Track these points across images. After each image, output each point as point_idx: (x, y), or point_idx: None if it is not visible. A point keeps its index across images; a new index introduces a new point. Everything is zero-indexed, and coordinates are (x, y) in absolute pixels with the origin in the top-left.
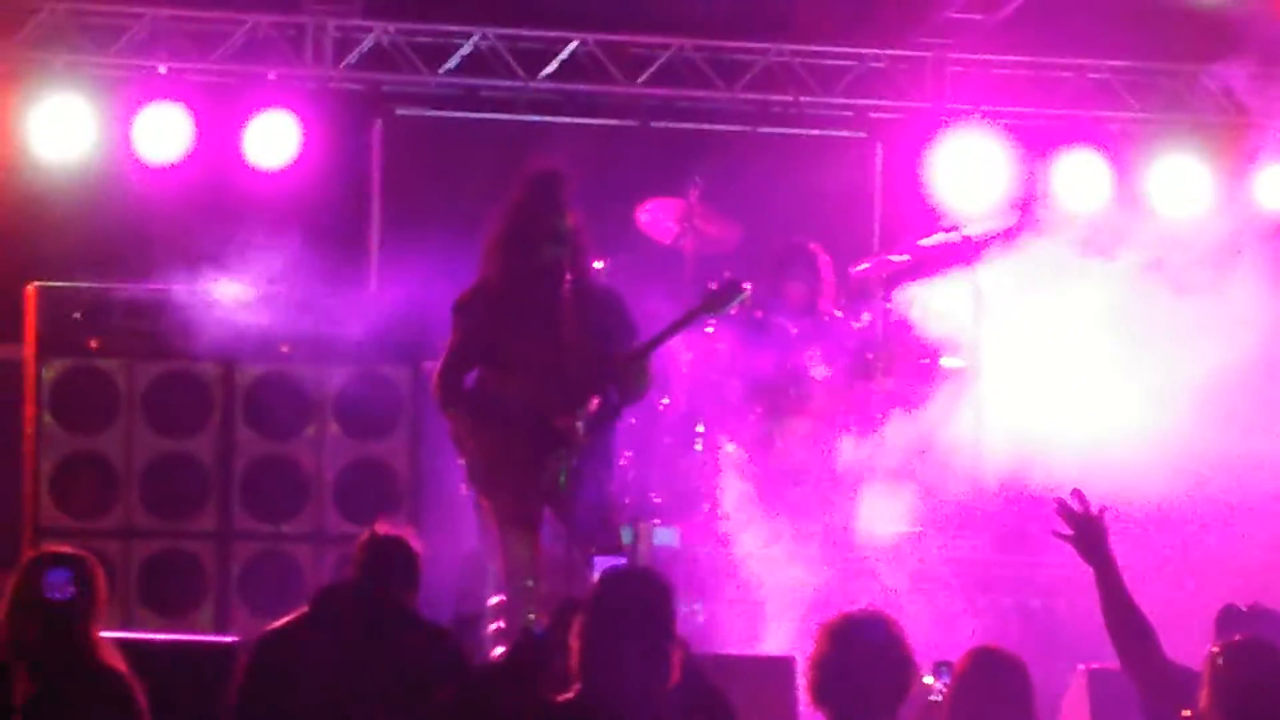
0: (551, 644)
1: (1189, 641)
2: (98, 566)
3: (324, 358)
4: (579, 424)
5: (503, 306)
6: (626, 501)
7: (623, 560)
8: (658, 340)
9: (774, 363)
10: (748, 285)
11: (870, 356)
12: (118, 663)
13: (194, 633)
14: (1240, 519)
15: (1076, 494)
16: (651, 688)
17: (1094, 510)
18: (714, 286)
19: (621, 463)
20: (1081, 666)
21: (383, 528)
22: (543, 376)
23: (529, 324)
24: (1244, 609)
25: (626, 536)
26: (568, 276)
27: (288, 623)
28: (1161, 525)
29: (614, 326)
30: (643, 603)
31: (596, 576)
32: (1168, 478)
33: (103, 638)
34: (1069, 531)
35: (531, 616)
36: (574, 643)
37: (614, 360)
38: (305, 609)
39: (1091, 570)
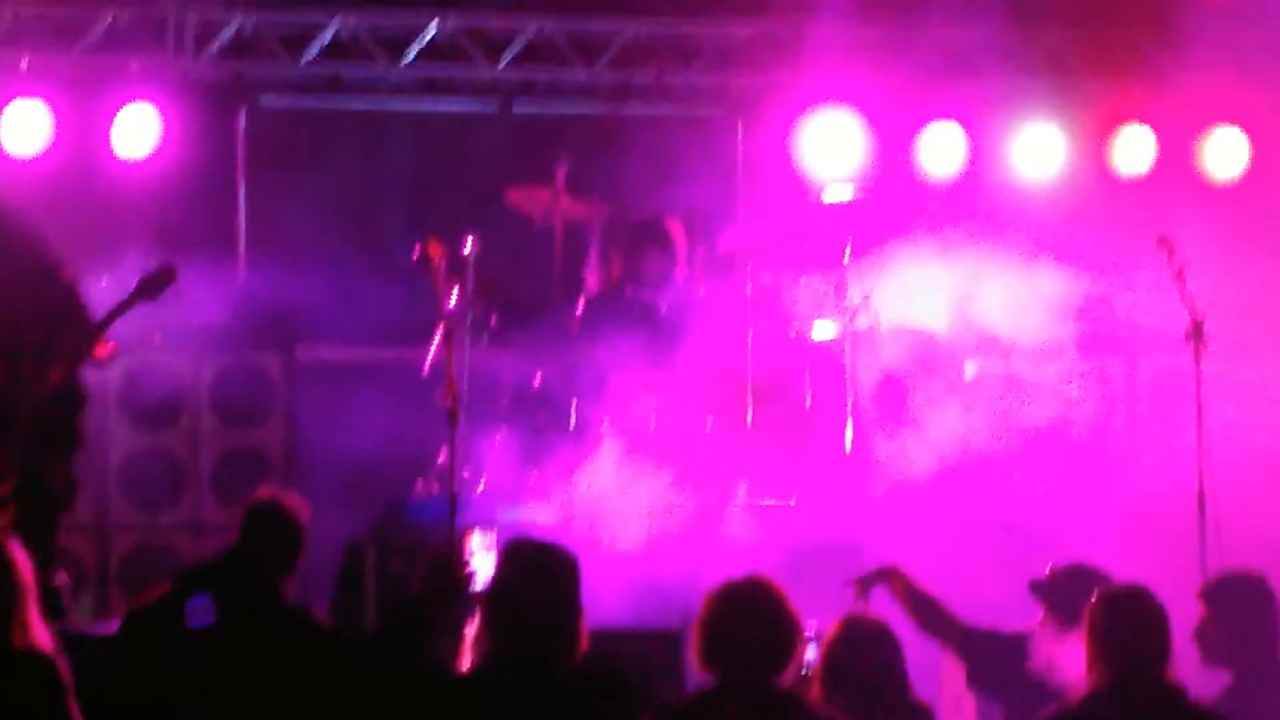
0: (432, 608)
1: None
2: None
3: (196, 347)
4: None
5: None
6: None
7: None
8: (99, 328)
9: (642, 339)
10: (175, 268)
11: (736, 330)
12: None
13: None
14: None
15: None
16: (561, 658)
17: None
18: (150, 272)
19: (499, 442)
20: None
21: (266, 493)
22: None
23: None
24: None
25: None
26: None
27: (152, 602)
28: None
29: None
30: (552, 572)
31: (501, 546)
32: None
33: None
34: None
35: None
36: (481, 612)
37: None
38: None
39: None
